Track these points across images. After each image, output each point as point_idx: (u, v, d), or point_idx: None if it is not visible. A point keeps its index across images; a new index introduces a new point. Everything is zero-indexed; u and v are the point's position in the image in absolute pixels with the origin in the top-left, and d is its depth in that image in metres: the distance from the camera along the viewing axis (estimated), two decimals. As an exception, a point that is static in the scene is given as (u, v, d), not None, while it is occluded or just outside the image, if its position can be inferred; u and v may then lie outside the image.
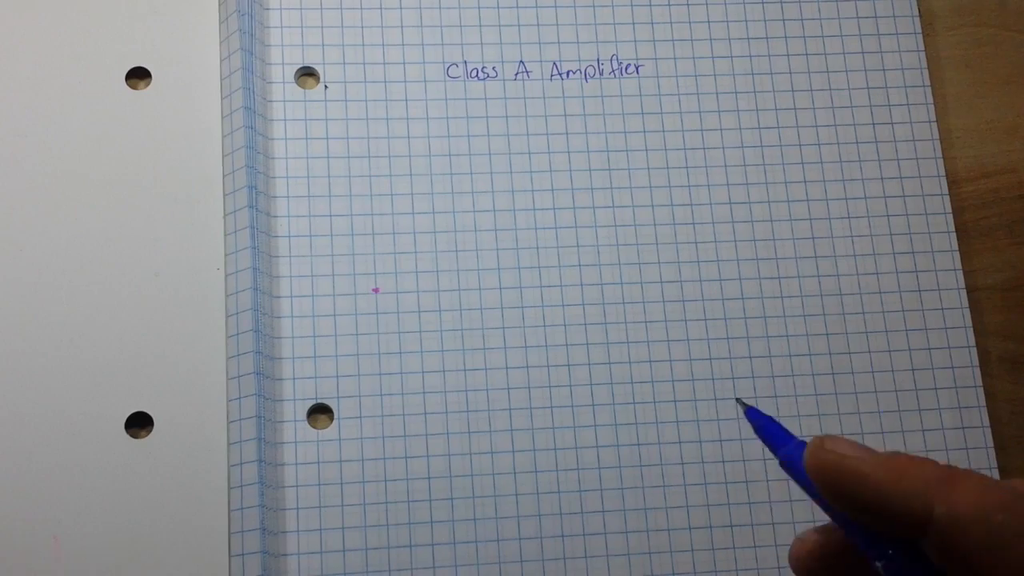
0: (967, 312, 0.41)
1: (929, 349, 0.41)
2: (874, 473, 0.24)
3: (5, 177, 0.40)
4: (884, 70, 0.44)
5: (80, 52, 0.41)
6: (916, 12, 0.44)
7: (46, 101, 0.40)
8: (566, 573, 0.38)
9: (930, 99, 0.43)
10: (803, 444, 0.26)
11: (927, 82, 0.43)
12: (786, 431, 0.28)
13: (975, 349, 0.41)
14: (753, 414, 0.29)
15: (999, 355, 0.41)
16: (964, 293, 0.41)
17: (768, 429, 0.28)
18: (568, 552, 0.38)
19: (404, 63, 0.42)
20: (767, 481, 0.39)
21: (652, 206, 0.41)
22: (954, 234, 0.42)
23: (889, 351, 0.41)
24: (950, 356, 0.41)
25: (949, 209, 0.42)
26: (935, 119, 0.43)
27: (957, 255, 0.42)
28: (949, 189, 0.43)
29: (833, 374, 0.40)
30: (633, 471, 0.39)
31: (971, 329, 0.41)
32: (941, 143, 0.43)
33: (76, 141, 0.40)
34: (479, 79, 0.42)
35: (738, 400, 0.31)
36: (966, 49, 0.45)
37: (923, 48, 0.44)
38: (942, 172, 0.43)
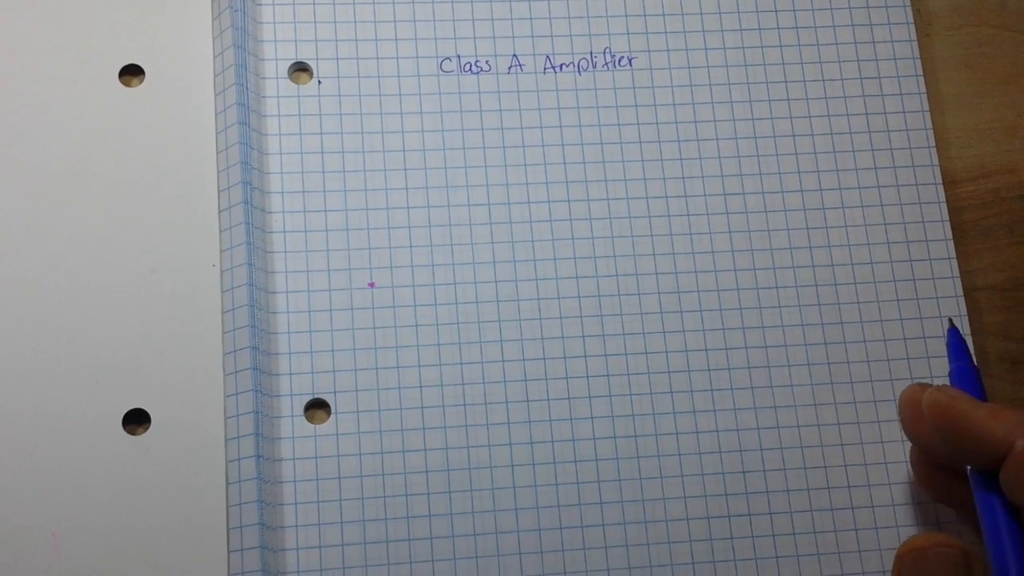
0: (963, 305, 0.41)
1: (927, 346, 0.41)
2: (976, 411, 0.31)
3: (-1, 175, 0.40)
4: (877, 60, 0.44)
5: (73, 49, 0.41)
6: (908, 2, 0.44)
7: (38, 99, 0.40)
8: (564, 564, 0.38)
9: (925, 102, 0.43)
10: (973, 370, 0.34)
11: (921, 87, 0.43)
12: (967, 353, 0.36)
13: (974, 348, 0.41)
14: (953, 334, 0.37)
15: (998, 355, 0.41)
16: (960, 286, 0.41)
17: (954, 345, 0.36)
18: (566, 544, 0.38)
19: (397, 57, 0.42)
20: (763, 471, 0.39)
21: (647, 198, 0.42)
22: (948, 224, 0.42)
23: (884, 340, 0.41)
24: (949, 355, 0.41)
25: (944, 213, 0.42)
26: (930, 122, 0.43)
27: (951, 245, 0.42)
28: (948, 189, 0.43)
29: (828, 363, 0.40)
30: (630, 463, 0.39)
31: (969, 329, 0.41)
32: (940, 142, 0.43)
33: (69, 139, 0.40)
34: (472, 73, 0.42)
35: (949, 319, 0.39)
36: (966, 49, 0.45)
37: (915, 38, 0.44)
38: (935, 161, 0.43)
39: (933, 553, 0.30)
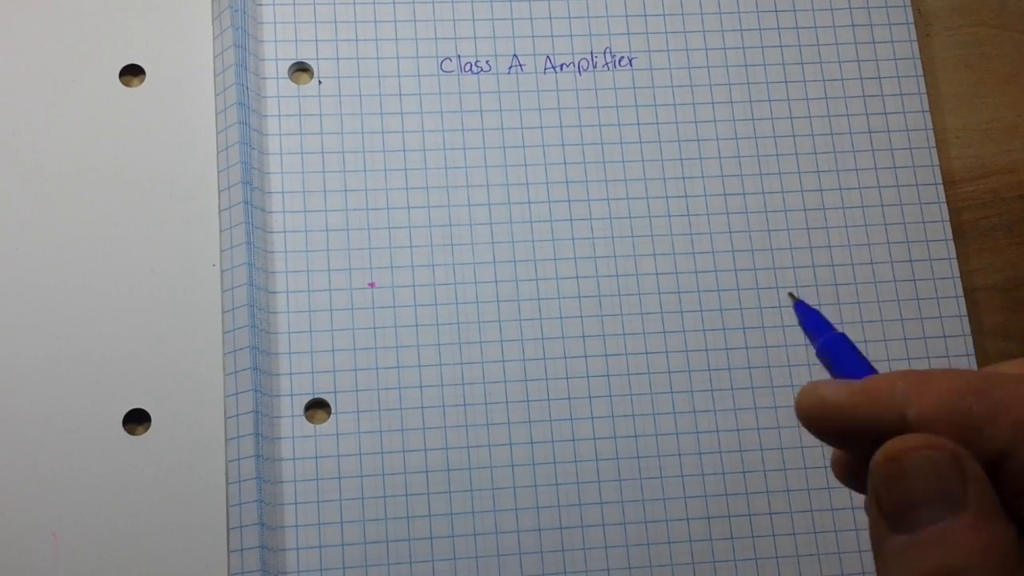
0: (963, 306, 0.41)
1: (927, 346, 0.41)
2: (848, 399, 0.24)
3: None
4: (877, 60, 0.44)
5: (74, 50, 0.41)
6: (908, 2, 0.44)
7: (40, 99, 0.40)
8: (564, 564, 0.38)
9: (925, 102, 0.43)
10: (840, 336, 0.27)
11: (921, 87, 0.43)
12: (826, 321, 0.28)
13: (973, 347, 0.41)
14: (800, 307, 0.29)
15: (999, 355, 0.41)
16: (960, 286, 0.41)
17: (809, 318, 0.29)
18: (566, 544, 0.38)
19: (398, 57, 0.42)
20: (764, 471, 0.39)
21: (647, 198, 0.41)
22: (948, 224, 0.42)
23: (885, 341, 0.41)
24: (948, 355, 0.41)
25: (945, 213, 0.42)
26: (930, 122, 0.43)
27: (951, 245, 0.42)
28: (948, 189, 0.43)
29: (829, 364, 0.40)
30: (630, 463, 0.39)
31: (970, 329, 0.41)
32: (940, 142, 0.43)
33: (70, 139, 0.40)
34: (473, 73, 0.42)
35: (790, 294, 0.31)
36: (966, 49, 0.45)
37: (915, 38, 0.44)
38: (935, 161, 0.43)
39: (912, 461, 0.22)
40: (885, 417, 0.23)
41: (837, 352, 0.27)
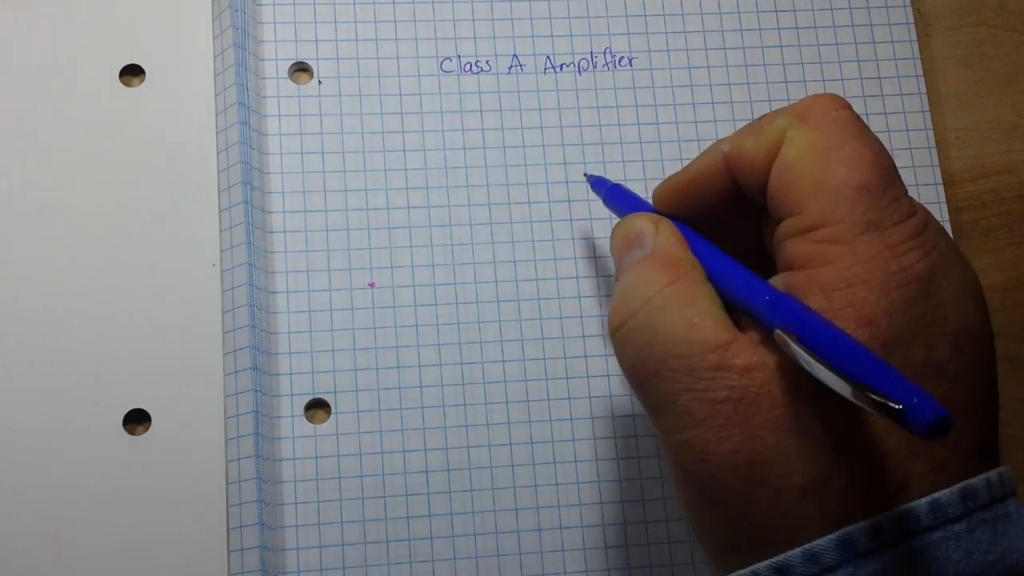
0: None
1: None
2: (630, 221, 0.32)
3: (-1, 175, 0.40)
4: (877, 60, 0.44)
5: (73, 50, 0.41)
6: (908, 2, 0.44)
7: (39, 99, 0.40)
8: (564, 564, 0.38)
9: (925, 102, 0.43)
10: (616, 186, 0.36)
11: (922, 87, 0.43)
12: (605, 178, 0.38)
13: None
14: (594, 181, 0.38)
15: (999, 355, 0.41)
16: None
17: (594, 181, 0.38)
18: (566, 544, 0.38)
19: (398, 57, 0.42)
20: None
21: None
22: (948, 224, 0.42)
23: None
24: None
25: (945, 213, 0.42)
26: (930, 122, 0.43)
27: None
28: (948, 189, 0.43)
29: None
30: (630, 463, 0.39)
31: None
32: (940, 142, 0.43)
33: (70, 139, 0.40)
34: (473, 73, 0.42)
35: (584, 174, 0.40)
36: (966, 49, 0.45)
37: (915, 38, 0.44)
38: (935, 161, 0.43)
39: (625, 224, 0.31)
40: (710, 159, 0.31)
41: (617, 197, 0.36)
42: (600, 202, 0.41)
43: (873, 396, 0.22)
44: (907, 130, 0.43)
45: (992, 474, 0.26)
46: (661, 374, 0.27)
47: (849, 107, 0.29)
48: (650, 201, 0.33)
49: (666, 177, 0.33)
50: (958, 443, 0.26)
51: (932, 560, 0.25)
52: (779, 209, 0.28)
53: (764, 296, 0.27)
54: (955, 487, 0.25)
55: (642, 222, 0.30)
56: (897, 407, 0.22)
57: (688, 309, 0.27)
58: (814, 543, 0.25)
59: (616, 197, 0.36)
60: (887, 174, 0.28)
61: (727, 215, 0.32)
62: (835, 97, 0.29)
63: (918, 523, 0.25)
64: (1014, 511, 0.26)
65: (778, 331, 0.25)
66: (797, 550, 0.25)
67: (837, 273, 0.26)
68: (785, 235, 0.28)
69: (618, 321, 0.29)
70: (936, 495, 0.25)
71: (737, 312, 0.28)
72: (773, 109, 0.43)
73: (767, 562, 0.26)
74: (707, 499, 0.27)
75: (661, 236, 0.30)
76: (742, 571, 0.26)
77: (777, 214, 0.29)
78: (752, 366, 0.26)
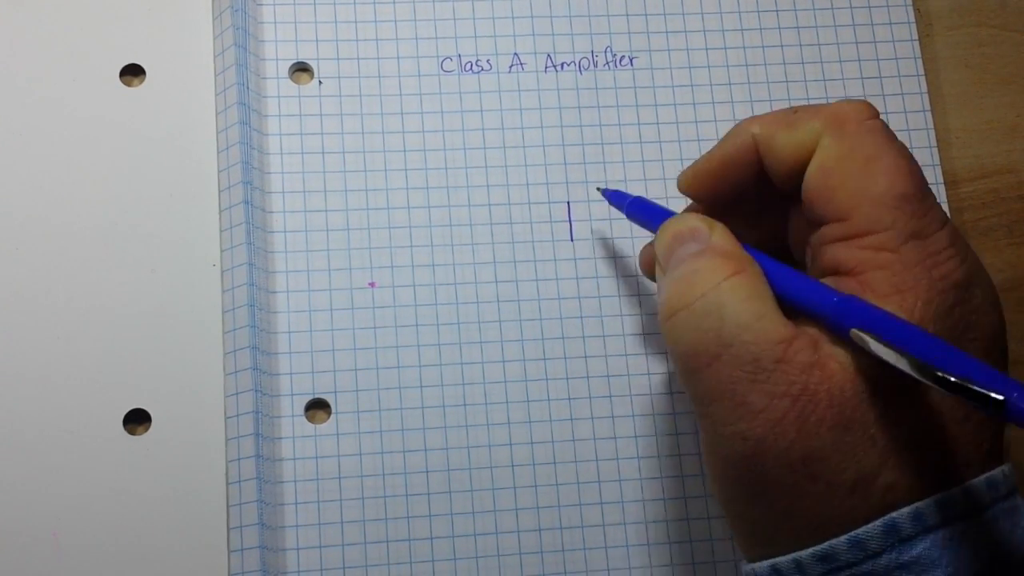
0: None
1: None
2: (707, 159, 0.33)
3: None
4: (878, 59, 0.44)
5: (73, 49, 0.41)
6: (908, 2, 0.44)
7: (40, 99, 0.40)
8: (564, 564, 0.38)
9: (926, 102, 0.43)
10: (636, 199, 0.37)
11: (922, 87, 0.43)
12: (623, 192, 0.38)
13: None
14: (611, 195, 0.39)
15: None
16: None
17: (611, 196, 0.39)
18: (566, 544, 0.38)
19: (398, 57, 0.42)
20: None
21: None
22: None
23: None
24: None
25: (946, 210, 0.42)
26: (931, 122, 0.43)
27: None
28: (948, 189, 0.43)
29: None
30: (631, 463, 0.39)
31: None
32: (940, 142, 0.43)
33: (70, 139, 0.40)
34: (473, 72, 0.42)
35: (599, 189, 0.40)
36: (966, 49, 0.45)
37: (916, 38, 0.44)
38: (936, 161, 0.43)
39: (677, 220, 0.31)
40: (739, 142, 0.31)
41: (642, 208, 0.36)
42: (601, 203, 0.41)
43: (974, 387, 0.23)
44: (908, 130, 0.43)
45: (1005, 467, 0.28)
46: (723, 359, 0.27)
47: (879, 115, 0.30)
48: (671, 208, 0.34)
49: (687, 165, 0.33)
50: (981, 442, 0.27)
51: (971, 543, 0.26)
52: (820, 212, 0.29)
53: (832, 298, 0.27)
54: (981, 478, 0.27)
55: (695, 220, 0.30)
56: (999, 398, 0.22)
57: (755, 300, 0.28)
58: (860, 530, 0.26)
59: (641, 208, 0.36)
60: (923, 184, 0.29)
61: (750, 202, 0.33)
62: (867, 104, 0.30)
63: (955, 511, 0.26)
64: (1021, 504, 0.28)
65: (855, 330, 0.26)
66: (843, 538, 0.26)
67: (886, 279, 0.27)
68: (828, 239, 0.29)
69: (679, 303, 0.28)
70: (968, 484, 0.27)
71: (789, 312, 0.29)
72: (773, 109, 0.43)
73: (811, 550, 0.27)
74: (752, 493, 0.28)
75: (717, 233, 0.30)
76: (780, 559, 0.27)
77: (816, 217, 0.29)
78: (812, 364, 0.27)
